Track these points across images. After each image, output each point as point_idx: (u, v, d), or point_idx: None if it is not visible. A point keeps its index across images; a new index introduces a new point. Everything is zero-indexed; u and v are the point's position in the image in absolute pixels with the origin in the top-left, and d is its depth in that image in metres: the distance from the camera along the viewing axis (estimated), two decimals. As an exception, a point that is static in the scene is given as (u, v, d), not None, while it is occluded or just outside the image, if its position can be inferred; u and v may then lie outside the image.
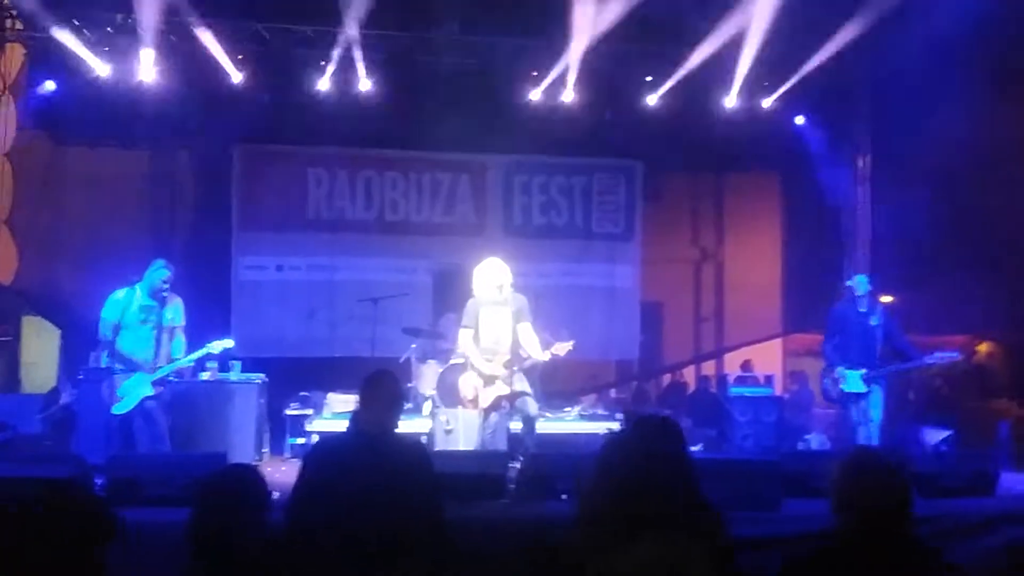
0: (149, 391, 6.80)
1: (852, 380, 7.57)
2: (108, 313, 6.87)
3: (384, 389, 3.94)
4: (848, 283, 7.92)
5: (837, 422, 8.73)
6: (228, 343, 7.31)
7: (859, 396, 7.54)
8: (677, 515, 2.19)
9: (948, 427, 8.80)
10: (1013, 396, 10.88)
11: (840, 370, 7.62)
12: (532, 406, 7.16)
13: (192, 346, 7.27)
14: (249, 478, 2.68)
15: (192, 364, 7.28)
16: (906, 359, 7.59)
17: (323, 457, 3.98)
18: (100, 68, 9.40)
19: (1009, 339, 12.29)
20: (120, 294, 6.90)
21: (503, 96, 10.40)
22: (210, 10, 9.24)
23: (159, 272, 6.89)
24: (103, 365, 7.08)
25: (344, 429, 3.99)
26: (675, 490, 2.23)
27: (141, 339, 6.87)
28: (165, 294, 6.92)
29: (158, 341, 6.91)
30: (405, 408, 7.45)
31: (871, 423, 7.51)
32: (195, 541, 2.56)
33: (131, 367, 6.78)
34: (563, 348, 7.16)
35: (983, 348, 13.02)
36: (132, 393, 6.74)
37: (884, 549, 2.44)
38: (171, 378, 7.05)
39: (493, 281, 7.05)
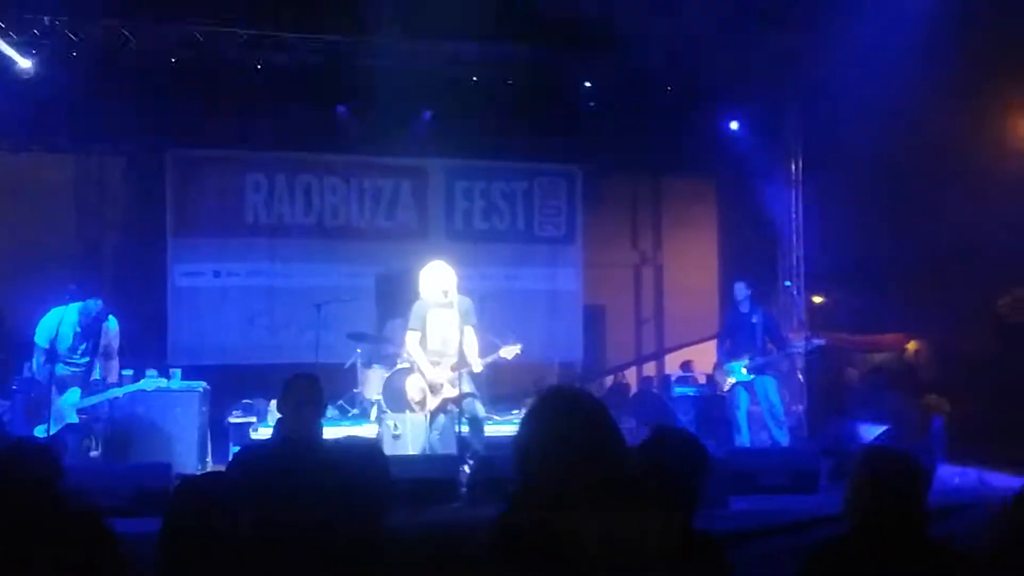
0: (73, 419, 6.71)
1: (736, 371, 8.60)
2: (39, 338, 6.82)
3: (299, 392, 3.83)
4: (734, 293, 8.95)
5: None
6: (162, 382, 7.31)
7: (746, 385, 8.56)
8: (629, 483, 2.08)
9: (882, 423, 9.06)
10: (942, 392, 11.22)
11: (727, 365, 8.69)
12: (479, 407, 7.17)
13: (128, 357, 7.16)
14: (228, 484, 2.62)
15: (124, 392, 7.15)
16: (780, 348, 8.83)
17: (247, 463, 3.86)
18: (25, 70, 9.12)
19: (936, 337, 12.69)
20: (52, 316, 6.81)
21: (444, 100, 10.39)
22: (142, 12, 9.05)
23: (90, 309, 6.85)
24: (31, 375, 6.98)
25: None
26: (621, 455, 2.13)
27: (72, 364, 6.78)
28: (93, 327, 6.89)
29: (90, 367, 6.87)
30: (327, 413, 7.45)
31: (773, 407, 8.51)
32: (166, 547, 2.46)
33: (62, 388, 6.68)
34: (510, 351, 7.20)
35: (911, 346, 13.42)
36: (56, 418, 6.62)
37: (895, 544, 2.50)
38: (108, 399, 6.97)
39: (439, 284, 7.03)
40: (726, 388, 8.74)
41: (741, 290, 8.81)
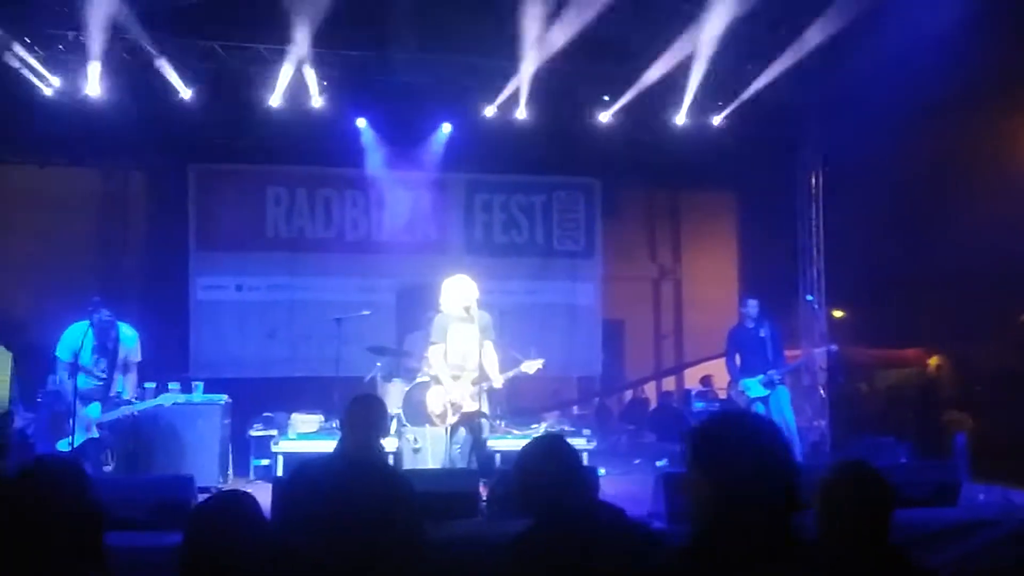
0: (94, 433, 6.79)
1: (753, 387, 8.58)
2: (61, 352, 6.91)
3: (359, 413, 3.94)
4: (743, 309, 8.94)
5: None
6: (180, 397, 7.38)
7: (764, 399, 8.53)
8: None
9: (904, 439, 9.00)
10: (962, 407, 11.13)
11: (743, 382, 8.68)
12: (484, 428, 7.17)
13: (151, 370, 7.21)
14: (245, 503, 2.62)
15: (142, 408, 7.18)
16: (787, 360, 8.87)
17: (306, 479, 3.93)
18: (50, 86, 9.23)
19: (959, 352, 12.60)
20: (72, 332, 6.89)
21: (462, 114, 10.43)
22: (164, 27, 9.13)
23: (96, 322, 6.90)
24: (55, 387, 7.05)
25: (312, 450, 3.97)
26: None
27: (93, 379, 6.87)
28: (108, 340, 6.94)
29: (110, 380, 6.92)
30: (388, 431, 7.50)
31: (787, 423, 8.43)
32: (187, 568, 2.48)
33: (83, 401, 6.77)
34: (532, 366, 7.21)
35: (933, 361, 13.33)
36: (78, 431, 6.67)
37: (863, 557, 2.49)
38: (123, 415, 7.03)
39: (461, 299, 7.05)
40: (745, 401, 8.67)
41: (754, 307, 8.81)
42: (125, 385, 7.11)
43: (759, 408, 8.54)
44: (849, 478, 2.69)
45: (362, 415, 3.91)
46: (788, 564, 1.88)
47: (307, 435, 8.57)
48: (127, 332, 7.11)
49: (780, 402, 8.53)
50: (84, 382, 6.86)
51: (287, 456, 8.04)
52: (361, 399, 3.99)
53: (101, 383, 6.95)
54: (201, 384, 8.10)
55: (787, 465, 1.97)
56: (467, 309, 7.00)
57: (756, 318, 8.75)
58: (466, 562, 4.89)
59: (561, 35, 8.91)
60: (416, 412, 7.70)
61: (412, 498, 3.87)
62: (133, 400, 7.14)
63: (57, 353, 6.92)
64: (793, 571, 1.88)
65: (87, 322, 6.87)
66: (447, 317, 7.12)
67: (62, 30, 9.10)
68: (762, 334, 8.64)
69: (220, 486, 7.34)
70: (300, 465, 3.85)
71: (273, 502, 4.15)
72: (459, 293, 7.03)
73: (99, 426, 6.84)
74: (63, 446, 6.63)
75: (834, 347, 9.28)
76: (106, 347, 6.91)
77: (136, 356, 7.17)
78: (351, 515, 3.56)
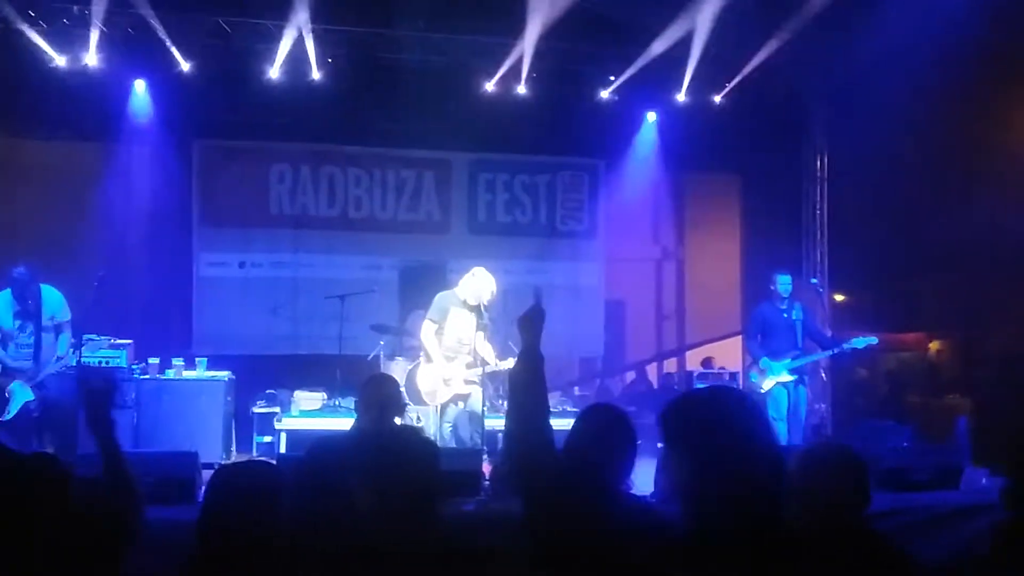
0: (29, 396, 6.72)
1: (777, 369, 7.96)
2: None
3: (373, 392, 3.97)
4: (772, 287, 8.17)
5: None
6: (103, 341, 7.38)
7: (787, 386, 7.94)
8: None
9: (906, 423, 9.00)
10: (964, 392, 11.15)
11: (765, 360, 8.01)
12: (477, 403, 7.20)
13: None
14: (268, 474, 2.63)
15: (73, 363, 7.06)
16: (824, 347, 8.15)
17: (321, 457, 3.94)
18: (55, 60, 9.20)
19: (959, 336, 12.61)
20: None
21: (467, 93, 10.39)
22: (169, 2, 9.10)
23: (16, 279, 6.76)
24: None
25: (314, 428, 3.98)
26: None
27: (21, 345, 6.78)
28: (29, 299, 6.76)
29: (38, 343, 6.77)
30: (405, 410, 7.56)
31: (798, 419, 8.01)
32: (206, 537, 2.48)
33: (12, 373, 6.69)
34: None
35: (933, 345, 13.34)
36: (14, 399, 6.66)
37: (837, 540, 2.47)
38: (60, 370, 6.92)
39: (482, 294, 7.09)
40: (764, 389, 8.00)
41: (787, 284, 8.01)
42: (65, 345, 6.95)
43: (782, 394, 7.96)
44: (816, 460, 2.68)
45: (375, 394, 3.94)
46: (772, 547, 1.88)
47: (310, 412, 8.60)
48: (50, 292, 6.89)
49: (799, 397, 8.10)
50: (13, 353, 6.76)
51: (290, 433, 8.09)
52: (374, 379, 4.04)
53: (29, 349, 6.79)
54: (204, 360, 8.13)
55: (766, 444, 1.95)
56: (480, 306, 7.06)
57: (787, 298, 8.00)
58: (470, 541, 4.93)
59: (563, 11, 8.85)
60: (414, 391, 7.76)
61: (430, 471, 3.88)
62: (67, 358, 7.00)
63: None
64: (776, 555, 1.88)
65: (8, 290, 6.73)
66: (453, 299, 7.16)
67: (67, 3, 9.07)
68: (793, 317, 8.00)
69: (223, 462, 7.38)
70: (315, 442, 3.87)
71: (295, 478, 4.17)
72: (484, 287, 7.08)
73: (35, 388, 6.75)
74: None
75: (875, 339, 8.13)
76: (28, 311, 6.74)
77: (65, 315, 6.94)
78: (366, 491, 3.57)
